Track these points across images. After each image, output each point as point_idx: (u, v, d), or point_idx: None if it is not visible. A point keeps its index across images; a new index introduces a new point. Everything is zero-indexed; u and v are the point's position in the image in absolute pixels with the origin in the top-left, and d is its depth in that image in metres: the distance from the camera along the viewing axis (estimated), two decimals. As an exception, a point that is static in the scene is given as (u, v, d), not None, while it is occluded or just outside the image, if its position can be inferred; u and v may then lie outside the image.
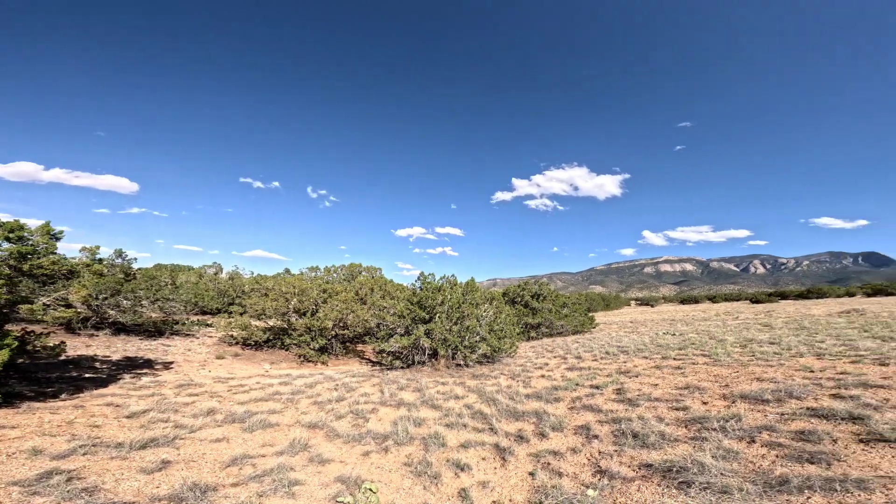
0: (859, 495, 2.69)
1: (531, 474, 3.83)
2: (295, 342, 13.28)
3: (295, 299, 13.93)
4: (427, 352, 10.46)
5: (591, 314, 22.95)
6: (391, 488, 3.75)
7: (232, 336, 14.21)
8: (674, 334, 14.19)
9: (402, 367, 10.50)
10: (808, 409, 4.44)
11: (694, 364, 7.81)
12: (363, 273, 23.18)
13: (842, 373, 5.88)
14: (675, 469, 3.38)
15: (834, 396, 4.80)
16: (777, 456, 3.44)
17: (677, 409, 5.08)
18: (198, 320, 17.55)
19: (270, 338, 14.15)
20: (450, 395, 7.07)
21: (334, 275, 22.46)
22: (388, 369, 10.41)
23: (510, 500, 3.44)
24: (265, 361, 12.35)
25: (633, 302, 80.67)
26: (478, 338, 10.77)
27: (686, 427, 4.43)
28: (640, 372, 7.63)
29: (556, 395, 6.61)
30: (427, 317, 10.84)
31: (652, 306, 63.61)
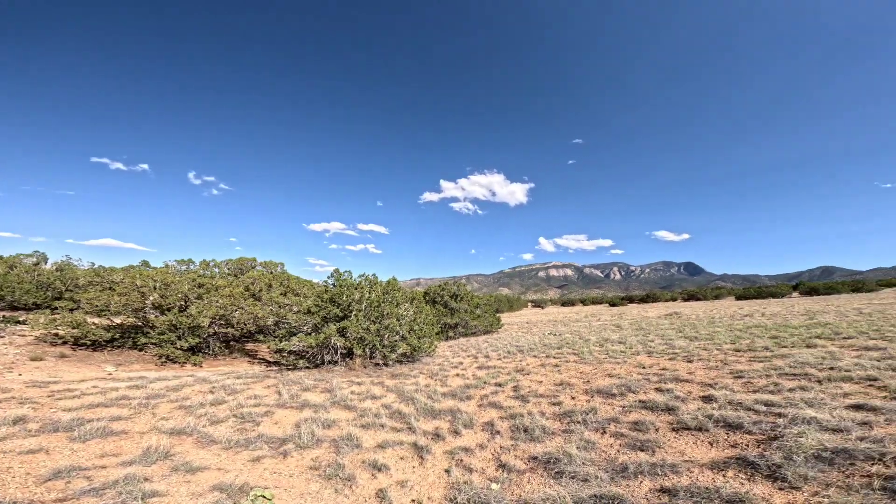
0: (672, 478, 3.20)
1: (447, 471, 3.80)
2: (154, 341, 10.90)
3: (155, 294, 11.57)
4: (340, 351, 9.79)
5: (498, 315, 24.29)
6: (293, 494, 3.33)
7: (56, 335, 11.26)
8: (555, 335, 15.87)
9: (308, 368, 9.60)
10: (640, 401, 5.13)
11: (567, 362, 8.68)
12: (258, 267, 20.68)
13: (663, 369, 6.97)
14: (552, 460, 3.69)
15: (657, 390, 5.60)
16: (620, 445, 3.94)
17: (554, 404, 5.57)
18: (3, 317, 13.72)
19: (116, 336, 11.45)
20: (366, 395, 6.71)
21: (216, 269, 19.47)
22: (290, 370, 9.42)
23: (429, 498, 3.35)
24: (108, 363, 10.05)
25: (529, 304, 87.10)
26: (398, 337, 10.43)
27: (560, 420, 4.88)
28: (531, 370, 8.22)
29: (468, 393, 6.77)
30: (341, 314, 10.15)
31: (542, 308, 69.99)
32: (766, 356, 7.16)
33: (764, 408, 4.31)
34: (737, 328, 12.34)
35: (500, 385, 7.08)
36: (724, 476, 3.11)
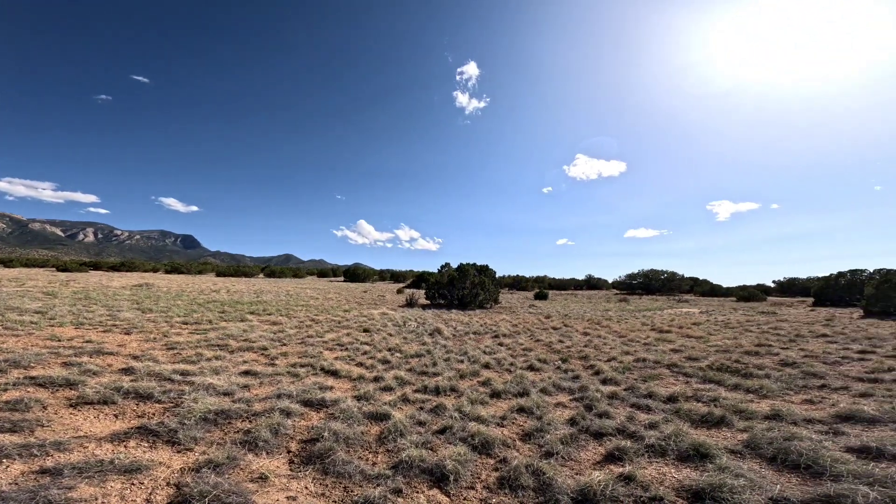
0: (58, 456, 2.96)
1: None
2: None
3: None
4: None
5: None
6: None
7: None
8: None
9: None
10: (31, 377, 4.53)
11: None
12: None
13: (87, 341, 6.52)
14: None
15: (65, 364, 5.17)
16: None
17: None
18: None
19: None
20: None
21: None
22: None
23: None
24: None
25: None
26: None
27: None
28: None
29: None
30: None
31: None
32: (206, 328, 8.51)
33: (180, 377, 4.90)
34: (199, 302, 13.87)
35: None
36: (125, 447, 3.24)
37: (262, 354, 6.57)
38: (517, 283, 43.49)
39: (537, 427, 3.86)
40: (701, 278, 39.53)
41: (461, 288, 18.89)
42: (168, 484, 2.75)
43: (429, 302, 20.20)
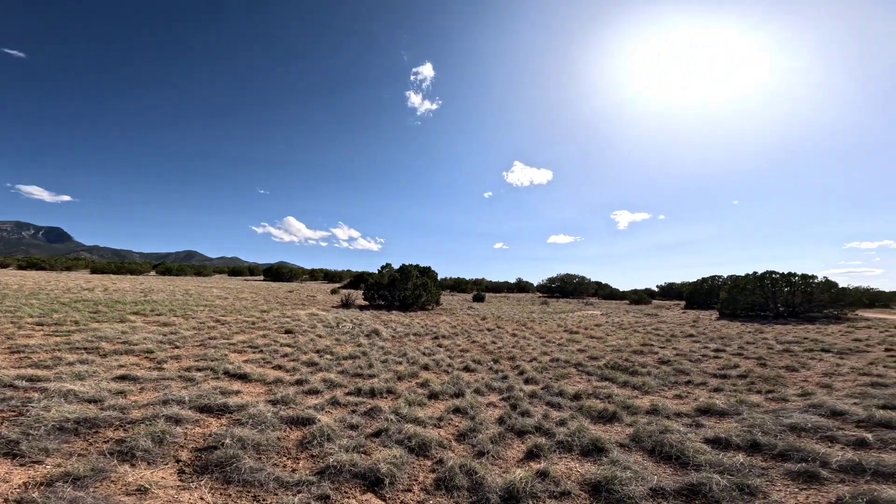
0: None
1: None
2: None
3: None
4: None
5: None
6: None
7: None
8: None
9: None
10: None
11: None
12: None
13: None
14: None
15: None
16: None
17: None
18: None
19: None
20: None
21: None
22: None
23: None
24: None
25: None
26: None
27: None
28: None
29: None
30: None
31: None
32: (71, 330, 7.27)
33: (27, 383, 4.32)
34: (62, 301, 11.71)
35: None
36: (-59, 462, 2.80)
37: (147, 358, 5.87)
38: (458, 286, 45.04)
39: (471, 427, 3.96)
40: (604, 282, 43.91)
41: (403, 289, 18.73)
42: (6, 501, 2.45)
43: (368, 303, 19.50)
